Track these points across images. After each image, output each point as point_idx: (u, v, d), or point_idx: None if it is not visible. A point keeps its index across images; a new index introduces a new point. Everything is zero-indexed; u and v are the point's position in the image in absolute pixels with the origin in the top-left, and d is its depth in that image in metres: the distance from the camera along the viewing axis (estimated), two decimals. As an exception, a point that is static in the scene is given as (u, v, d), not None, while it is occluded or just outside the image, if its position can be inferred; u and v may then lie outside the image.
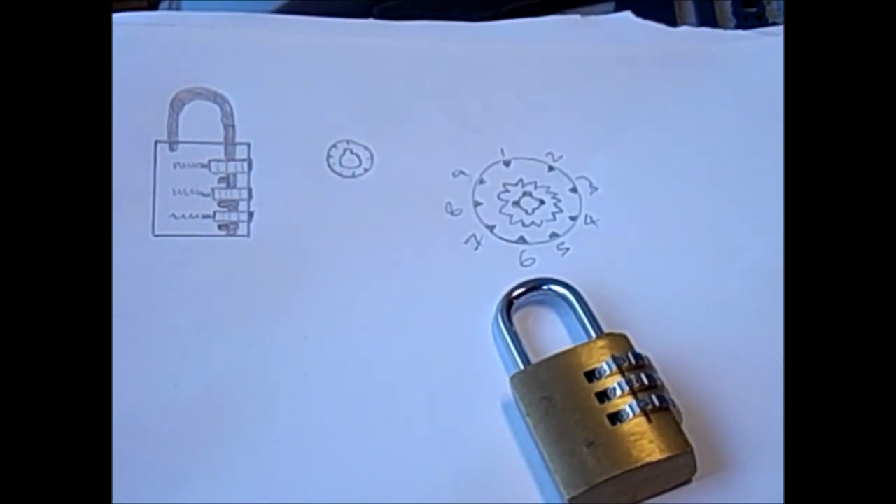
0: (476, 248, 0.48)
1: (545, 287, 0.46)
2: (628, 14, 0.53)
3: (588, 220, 0.48)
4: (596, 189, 0.49)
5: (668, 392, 0.43)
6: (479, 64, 0.51)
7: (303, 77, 0.51)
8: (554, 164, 0.49)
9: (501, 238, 0.48)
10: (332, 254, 0.47)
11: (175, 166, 0.49)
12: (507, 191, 0.49)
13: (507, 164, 0.49)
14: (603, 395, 0.42)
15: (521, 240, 0.48)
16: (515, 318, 0.45)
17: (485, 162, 0.49)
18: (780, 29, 0.53)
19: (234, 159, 0.49)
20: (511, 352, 0.44)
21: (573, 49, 0.52)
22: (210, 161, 0.49)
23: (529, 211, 0.49)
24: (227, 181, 0.49)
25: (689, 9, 0.55)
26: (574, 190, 0.49)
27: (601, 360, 0.43)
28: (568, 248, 0.48)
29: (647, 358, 0.43)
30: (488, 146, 0.50)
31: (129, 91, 0.49)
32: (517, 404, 0.43)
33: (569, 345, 0.44)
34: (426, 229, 0.48)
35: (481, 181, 0.49)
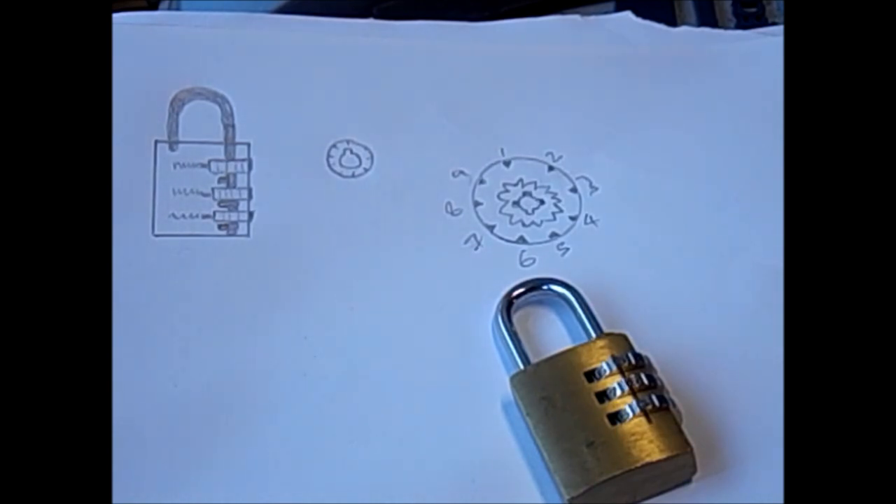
0: (476, 248, 0.48)
1: (545, 287, 0.46)
2: (628, 14, 0.53)
3: (588, 220, 0.48)
4: (596, 189, 0.49)
5: (668, 392, 0.43)
6: (478, 64, 0.51)
7: (303, 77, 0.51)
8: (554, 164, 0.49)
9: (501, 238, 0.48)
10: (332, 254, 0.47)
11: (175, 166, 0.49)
12: (507, 191, 0.49)
13: (507, 164, 0.49)
14: (603, 395, 0.42)
15: (521, 240, 0.48)
16: (515, 318, 0.45)
17: (485, 162, 0.49)
18: (780, 29, 0.53)
19: (234, 159, 0.49)
20: (511, 352, 0.44)
21: (573, 49, 0.52)
22: (210, 161, 0.49)
23: (529, 211, 0.49)
24: (227, 181, 0.49)
25: (689, 9, 0.55)
26: (574, 190, 0.49)
27: (601, 360, 0.43)
28: (568, 248, 0.48)
29: (647, 358, 0.43)
30: (488, 146, 0.50)
31: (129, 91, 0.49)
32: (517, 404, 0.43)
33: (569, 345, 0.44)
34: (426, 229, 0.48)
35: (481, 181, 0.49)
